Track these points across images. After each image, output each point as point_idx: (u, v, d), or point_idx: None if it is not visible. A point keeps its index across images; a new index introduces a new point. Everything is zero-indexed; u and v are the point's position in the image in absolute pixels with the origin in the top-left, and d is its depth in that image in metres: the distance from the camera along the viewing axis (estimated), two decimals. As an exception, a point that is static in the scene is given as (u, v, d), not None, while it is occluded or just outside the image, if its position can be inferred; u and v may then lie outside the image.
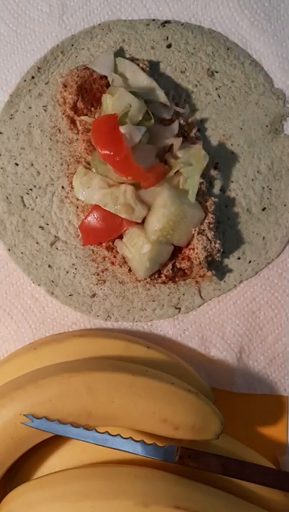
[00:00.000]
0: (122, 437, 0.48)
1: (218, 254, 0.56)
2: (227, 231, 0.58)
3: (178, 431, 0.48)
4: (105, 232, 0.55)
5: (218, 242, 0.55)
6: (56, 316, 0.58)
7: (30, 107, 0.57)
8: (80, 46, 0.57)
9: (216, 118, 0.58)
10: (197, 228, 0.55)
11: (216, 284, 0.58)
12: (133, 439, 0.48)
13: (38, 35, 0.58)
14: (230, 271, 0.59)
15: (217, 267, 0.58)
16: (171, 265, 0.56)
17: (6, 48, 0.58)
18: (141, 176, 0.52)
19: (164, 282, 0.57)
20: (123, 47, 0.57)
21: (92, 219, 0.55)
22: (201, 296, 0.58)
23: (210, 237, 0.55)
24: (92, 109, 0.55)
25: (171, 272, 0.56)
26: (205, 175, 0.57)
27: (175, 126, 0.56)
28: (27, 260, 0.57)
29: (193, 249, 0.55)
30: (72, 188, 0.57)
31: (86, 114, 0.55)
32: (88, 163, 0.56)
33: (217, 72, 0.58)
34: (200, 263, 0.55)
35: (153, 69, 0.57)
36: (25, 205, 0.57)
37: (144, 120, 0.53)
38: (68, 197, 0.57)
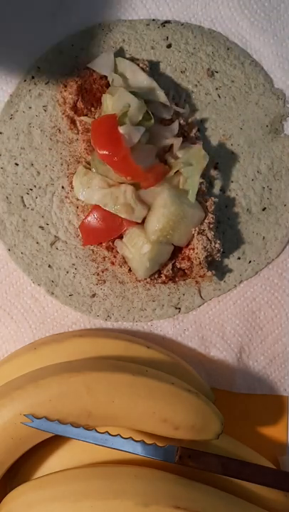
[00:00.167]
0: (122, 437, 0.48)
1: (218, 254, 0.56)
2: (227, 231, 0.58)
3: (178, 431, 0.48)
4: (105, 232, 0.55)
5: (218, 242, 0.55)
6: (56, 316, 0.58)
7: (30, 107, 0.57)
8: (79, 46, 0.57)
9: (216, 118, 0.58)
10: (197, 228, 0.55)
11: (216, 284, 0.58)
12: (133, 439, 0.48)
13: (38, 35, 0.57)
14: (230, 271, 0.59)
15: (217, 267, 0.58)
16: (171, 265, 0.56)
17: (6, 47, 0.58)
18: (140, 176, 0.52)
19: (164, 282, 0.57)
20: (123, 47, 0.57)
21: (92, 219, 0.55)
22: (201, 296, 0.58)
23: (210, 237, 0.55)
24: (92, 109, 0.55)
25: (171, 271, 0.56)
26: (205, 175, 0.57)
27: (175, 126, 0.56)
28: (27, 260, 0.58)
29: (193, 249, 0.55)
30: (72, 188, 0.57)
31: (86, 114, 0.55)
32: (88, 163, 0.56)
33: (217, 72, 0.58)
34: (200, 263, 0.55)
35: (153, 69, 0.57)
36: (25, 205, 0.57)
37: (144, 120, 0.53)
38: (68, 197, 0.57)
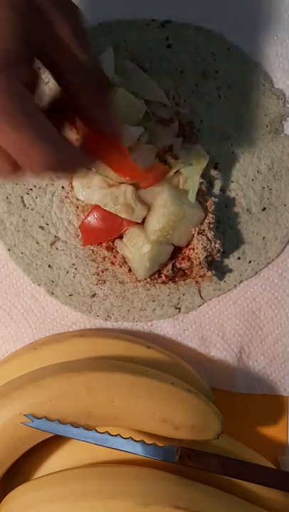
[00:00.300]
0: (122, 437, 0.48)
1: (218, 254, 0.56)
2: (227, 231, 0.58)
3: (178, 431, 0.48)
4: (105, 232, 0.55)
5: (218, 242, 0.55)
6: (56, 316, 0.58)
7: (30, 107, 0.57)
8: (80, 46, 0.57)
9: (216, 118, 0.58)
10: (197, 228, 0.55)
11: (216, 284, 0.58)
12: (133, 439, 0.48)
13: (38, 35, 0.57)
14: (230, 271, 0.59)
15: (217, 267, 0.58)
16: (171, 265, 0.56)
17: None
18: (139, 176, 0.52)
19: (164, 282, 0.57)
20: (123, 47, 0.57)
21: (92, 219, 0.55)
22: (201, 296, 0.58)
23: (210, 237, 0.55)
24: (92, 109, 0.55)
25: (171, 272, 0.56)
26: (205, 175, 0.57)
27: (175, 126, 0.56)
28: (27, 260, 0.57)
29: (193, 249, 0.55)
30: (72, 188, 0.57)
31: (86, 114, 0.55)
32: (88, 163, 0.56)
33: (217, 72, 0.58)
34: (200, 263, 0.55)
35: (153, 69, 0.57)
36: (25, 205, 0.57)
37: (144, 120, 0.53)
38: (68, 197, 0.57)
